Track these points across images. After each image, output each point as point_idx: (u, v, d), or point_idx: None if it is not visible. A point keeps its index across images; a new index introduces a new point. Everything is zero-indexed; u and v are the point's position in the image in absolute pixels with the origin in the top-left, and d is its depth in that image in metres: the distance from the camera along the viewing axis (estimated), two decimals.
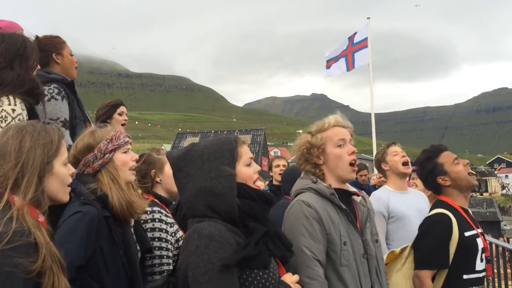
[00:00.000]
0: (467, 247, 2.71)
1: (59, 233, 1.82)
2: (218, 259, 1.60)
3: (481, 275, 2.75)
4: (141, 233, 2.25)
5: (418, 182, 4.26)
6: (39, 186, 1.51)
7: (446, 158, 2.85)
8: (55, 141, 1.60)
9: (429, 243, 2.73)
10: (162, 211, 2.61)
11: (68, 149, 1.78)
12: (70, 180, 1.66)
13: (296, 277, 1.85)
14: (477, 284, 2.73)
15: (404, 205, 3.55)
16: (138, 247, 2.20)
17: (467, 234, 2.73)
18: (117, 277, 1.95)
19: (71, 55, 3.25)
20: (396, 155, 3.71)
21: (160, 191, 2.74)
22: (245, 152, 1.87)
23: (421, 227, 2.85)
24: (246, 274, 1.69)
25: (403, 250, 2.90)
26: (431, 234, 2.75)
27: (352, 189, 2.39)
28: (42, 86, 2.55)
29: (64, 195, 1.64)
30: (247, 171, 1.85)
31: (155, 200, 2.68)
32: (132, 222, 2.19)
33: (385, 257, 2.86)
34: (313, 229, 2.09)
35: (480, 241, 2.77)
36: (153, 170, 2.73)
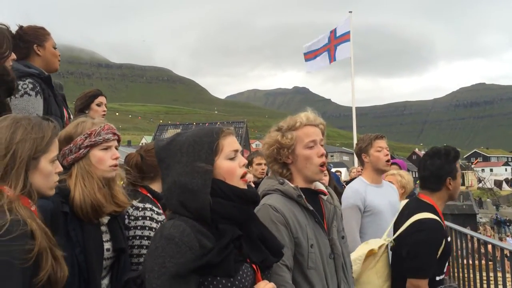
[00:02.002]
0: (446, 252, 2.78)
1: None
2: (172, 264, 1.51)
3: (443, 275, 2.84)
4: (116, 231, 2.14)
5: (394, 178, 4.29)
6: (27, 179, 1.53)
7: (459, 167, 2.91)
8: (47, 137, 1.59)
9: (427, 252, 2.70)
10: (154, 208, 2.55)
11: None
12: (55, 178, 1.65)
13: (271, 285, 1.70)
14: (442, 283, 2.82)
15: (379, 199, 3.55)
16: (110, 246, 2.09)
17: (448, 239, 2.81)
18: (70, 275, 1.86)
19: (55, 48, 3.17)
20: (381, 151, 3.62)
21: (158, 186, 2.68)
22: (228, 144, 1.71)
23: (416, 232, 2.74)
24: (208, 281, 1.58)
25: (379, 248, 2.88)
26: (429, 242, 2.71)
27: (320, 187, 2.38)
28: (14, 75, 2.42)
29: (48, 190, 1.64)
30: (228, 165, 1.70)
31: (148, 194, 2.62)
32: (105, 220, 2.10)
33: (364, 254, 2.85)
34: (280, 234, 2.06)
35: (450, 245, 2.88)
36: None
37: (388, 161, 3.65)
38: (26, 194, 1.52)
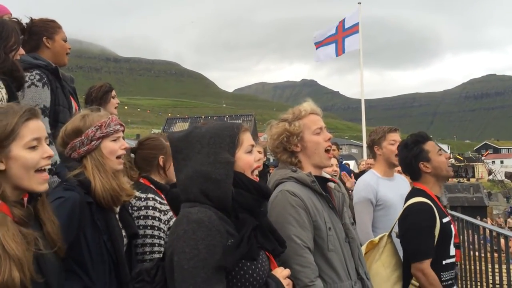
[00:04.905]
0: (445, 233, 2.81)
1: None
2: (204, 246, 1.57)
3: (453, 260, 2.86)
4: (126, 218, 2.24)
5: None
6: None
7: (432, 147, 2.95)
8: (11, 124, 1.52)
9: (420, 233, 2.76)
10: (157, 198, 2.58)
11: (47, 137, 1.72)
12: (42, 163, 1.58)
13: (287, 272, 1.82)
14: (452, 268, 2.85)
15: (391, 193, 3.54)
16: (124, 233, 2.19)
17: (444, 220, 2.83)
18: (100, 262, 1.95)
19: (65, 41, 3.20)
20: (394, 144, 3.58)
21: (157, 177, 2.70)
22: (247, 139, 1.83)
23: (406, 217, 2.87)
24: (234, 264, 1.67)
25: (380, 239, 2.94)
26: (419, 224, 2.78)
27: (327, 175, 2.45)
28: (23, 71, 2.49)
29: (30, 182, 1.55)
30: (247, 158, 1.81)
31: (150, 185, 2.64)
32: (117, 209, 2.18)
33: (364, 246, 2.91)
34: (300, 217, 2.12)
35: (452, 227, 2.88)
36: (162, 157, 2.69)
37: None
38: None
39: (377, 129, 3.78)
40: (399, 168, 4.27)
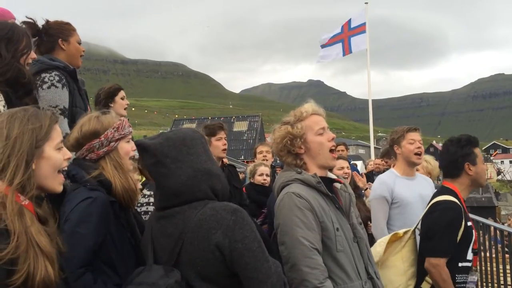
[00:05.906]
0: (467, 237, 2.80)
1: (71, 220, 1.84)
2: (254, 226, 1.77)
3: (470, 264, 2.86)
4: (137, 217, 2.31)
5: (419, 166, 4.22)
6: (27, 171, 1.49)
7: (479, 153, 2.95)
8: (45, 125, 1.58)
9: (444, 231, 2.75)
10: None
11: (65, 137, 1.74)
12: (64, 164, 1.64)
13: None
14: (467, 272, 2.84)
15: (408, 191, 3.54)
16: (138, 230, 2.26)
17: (468, 224, 2.83)
18: (127, 258, 2.00)
19: (79, 44, 3.24)
20: (413, 143, 3.59)
21: None
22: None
23: (431, 213, 2.86)
24: None
25: (405, 233, 2.97)
26: (445, 222, 2.77)
27: (333, 176, 2.46)
28: (30, 76, 2.47)
29: (53, 182, 1.60)
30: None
31: None
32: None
33: (387, 237, 2.95)
34: (307, 219, 2.12)
35: (473, 232, 2.88)
36: None
37: (419, 154, 3.60)
38: (19, 188, 1.47)
39: (397, 128, 3.79)
40: (420, 168, 4.25)
